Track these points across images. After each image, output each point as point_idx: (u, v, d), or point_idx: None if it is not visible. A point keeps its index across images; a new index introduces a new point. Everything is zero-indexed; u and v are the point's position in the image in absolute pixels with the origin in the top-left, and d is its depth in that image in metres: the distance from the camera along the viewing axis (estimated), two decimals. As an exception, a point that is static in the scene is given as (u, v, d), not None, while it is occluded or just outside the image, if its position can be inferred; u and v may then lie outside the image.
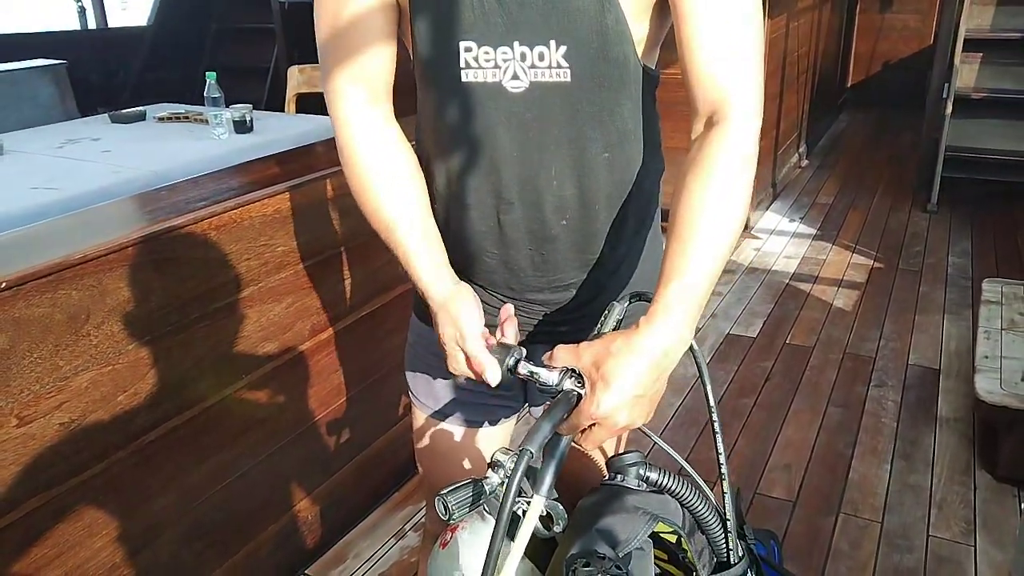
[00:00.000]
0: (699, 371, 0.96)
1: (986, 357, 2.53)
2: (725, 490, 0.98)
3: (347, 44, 1.01)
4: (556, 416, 0.83)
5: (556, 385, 0.88)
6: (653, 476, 0.92)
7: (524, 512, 0.94)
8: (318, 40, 1.04)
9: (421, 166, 1.08)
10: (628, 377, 0.84)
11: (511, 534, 0.90)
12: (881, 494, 2.30)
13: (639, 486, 0.93)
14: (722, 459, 0.99)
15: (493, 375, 0.94)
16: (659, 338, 0.85)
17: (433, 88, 1.02)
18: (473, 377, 0.98)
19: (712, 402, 0.98)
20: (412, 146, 1.08)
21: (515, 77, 0.96)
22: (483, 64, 0.96)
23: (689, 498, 0.92)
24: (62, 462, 1.39)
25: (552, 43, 0.94)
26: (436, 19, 0.96)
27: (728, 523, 0.96)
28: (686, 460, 1.01)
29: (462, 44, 0.96)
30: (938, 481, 2.35)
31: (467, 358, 0.97)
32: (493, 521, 0.93)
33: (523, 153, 1.00)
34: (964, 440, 2.54)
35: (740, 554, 0.98)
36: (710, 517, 0.94)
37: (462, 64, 0.97)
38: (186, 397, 1.61)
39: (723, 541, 0.96)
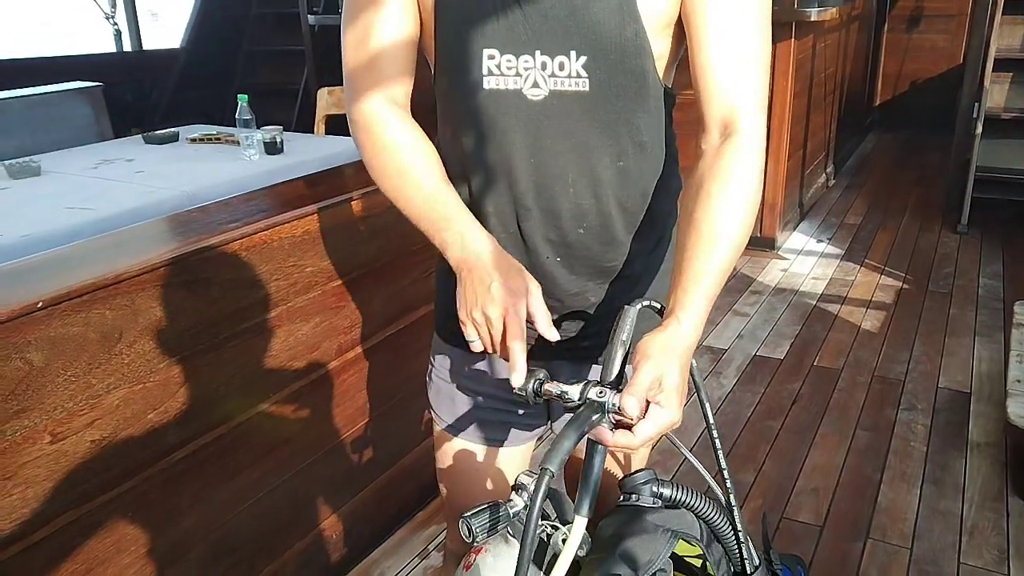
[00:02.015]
0: (695, 386, 0.99)
1: (1019, 381, 2.49)
2: (733, 503, 0.99)
3: (373, 57, 1.04)
4: (573, 432, 0.83)
5: (579, 398, 0.89)
6: (667, 492, 0.92)
7: (548, 536, 0.95)
8: (344, 54, 1.06)
9: None
10: (684, 380, 0.89)
11: (537, 561, 0.90)
12: (911, 519, 2.27)
13: (654, 503, 0.93)
14: (726, 474, 1.01)
15: (553, 332, 0.98)
16: (691, 339, 0.91)
17: (455, 96, 1.04)
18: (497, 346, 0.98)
19: (711, 418, 1.02)
20: None
21: (535, 85, 0.99)
22: (505, 72, 0.99)
23: (703, 509, 0.92)
24: (93, 478, 1.41)
25: (572, 53, 0.97)
26: (461, 28, 0.99)
27: (740, 533, 0.96)
28: (712, 478, 1.01)
29: (486, 52, 0.99)
30: (969, 507, 2.31)
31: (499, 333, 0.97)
32: (517, 544, 0.93)
33: (540, 160, 1.02)
34: (996, 465, 2.50)
35: (756, 563, 0.99)
36: (725, 527, 0.95)
37: (485, 71, 1.00)
38: (215, 415, 1.63)
39: (738, 550, 0.97)
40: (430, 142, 1.07)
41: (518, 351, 0.94)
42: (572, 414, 0.90)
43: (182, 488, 1.59)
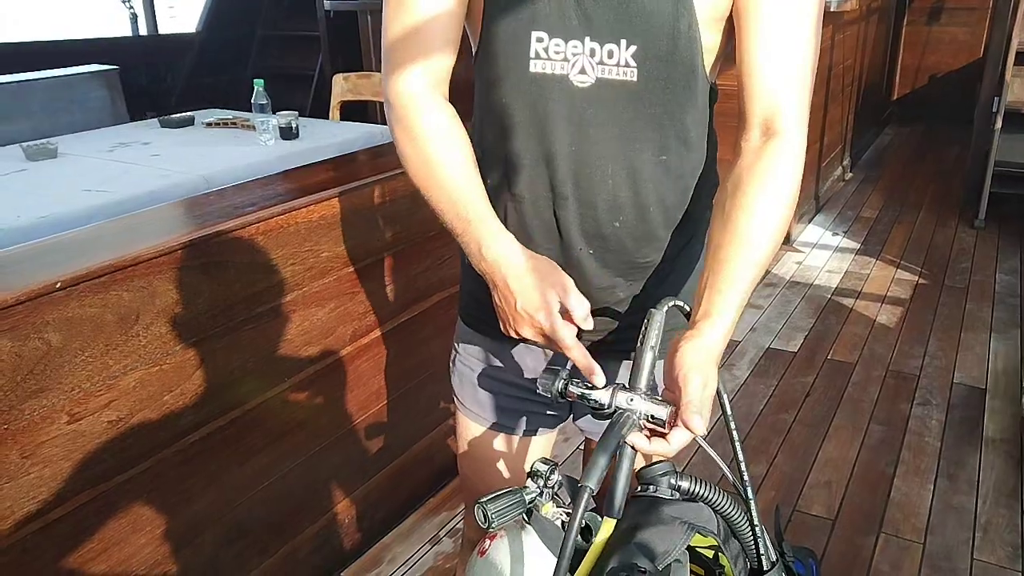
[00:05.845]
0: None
1: (1035, 378, 2.47)
2: (750, 496, 0.98)
3: (415, 30, 1.01)
4: (611, 447, 0.83)
5: (608, 406, 0.89)
6: (685, 485, 0.91)
7: (563, 524, 0.94)
8: (385, 24, 1.03)
9: (478, 161, 1.07)
10: (715, 381, 0.90)
11: (553, 548, 0.90)
12: (924, 515, 2.26)
13: (672, 495, 0.93)
14: (743, 466, 1.00)
15: (588, 323, 0.97)
16: (722, 340, 0.91)
17: (498, 77, 1.02)
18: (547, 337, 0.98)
19: (728, 408, 1.02)
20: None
21: (582, 72, 0.98)
22: (552, 56, 0.98)
23: (722, 504, 0.91)
24: (109, 459, 1.42)
25: (623, 42, 0.95)
26: (510, 7, 0.98)
27: (757, 528, 0.96)
28: (729, 469, 1.01)
29: (534, 34, 0.97)
30: (983, 503, 2.30)
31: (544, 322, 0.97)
32: (532, 531, 0.93)
33: (580, 149, 1.01)
34: (1011, 462, 2.48)
35: (773, 559, 0.98)
36: (743, 523, 0.94)
37: (532, 54, 0.98)
38: (230, 398, 1.64)
39: (755, 546, 0.96)
40: (464, 132, 1.04)
41: (579, 357, 0.94)
42: (595, 415, 0.90)
43: (197, 470, 1.60)
